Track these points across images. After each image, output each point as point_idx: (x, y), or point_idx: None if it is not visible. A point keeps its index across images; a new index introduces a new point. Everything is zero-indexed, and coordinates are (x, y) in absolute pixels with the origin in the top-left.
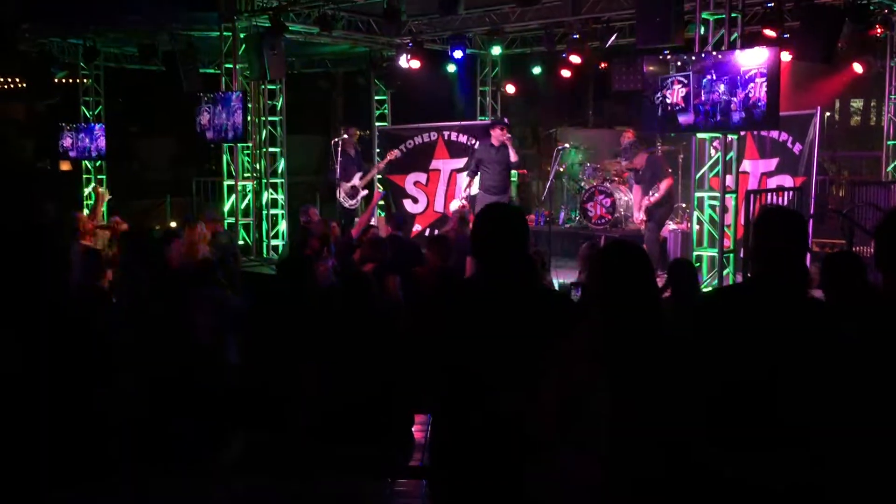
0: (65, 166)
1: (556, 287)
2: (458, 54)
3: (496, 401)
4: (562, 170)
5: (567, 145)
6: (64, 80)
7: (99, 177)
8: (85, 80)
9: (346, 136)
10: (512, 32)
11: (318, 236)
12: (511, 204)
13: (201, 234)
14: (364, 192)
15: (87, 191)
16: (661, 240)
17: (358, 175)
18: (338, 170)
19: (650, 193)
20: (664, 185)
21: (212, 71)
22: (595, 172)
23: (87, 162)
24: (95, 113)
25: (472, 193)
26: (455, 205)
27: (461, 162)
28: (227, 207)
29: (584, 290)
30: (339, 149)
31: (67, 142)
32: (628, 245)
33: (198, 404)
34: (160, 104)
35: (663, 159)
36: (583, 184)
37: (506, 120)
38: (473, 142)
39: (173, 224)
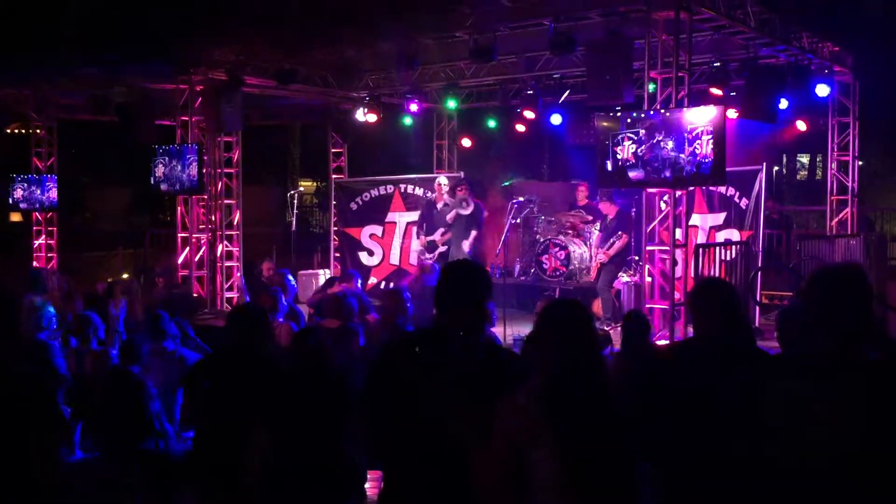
0: (15, 217)
1: (512, 340)
2: (413, 108)
3: (443, 459)
4: (517, 222)
5: (522, 199)
6: (15, 131)
7: (50, 228)
8: (37, 131)
9: (437, 189)
10: (467, 87)
11: (272, 291)
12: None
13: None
14: (443, 248)
15: (36, 243)
16: (614, 291)
17: (440, 230)
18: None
19: (605, 247)
20: (619, 243)
21: (167, 123)
22: (550, 225)
23: (38, 213)
24: (47, 164)
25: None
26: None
27: (417, 214)
28: (180, 259)
29: (524, 345)
30: (425, 201)
31: (18, 193)
32: (567, 304)
33: (146, 463)
34: (113, 155)
35: (631, 216)
36: (538, 236)
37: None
38: (430, 195)
39: (125, 276)
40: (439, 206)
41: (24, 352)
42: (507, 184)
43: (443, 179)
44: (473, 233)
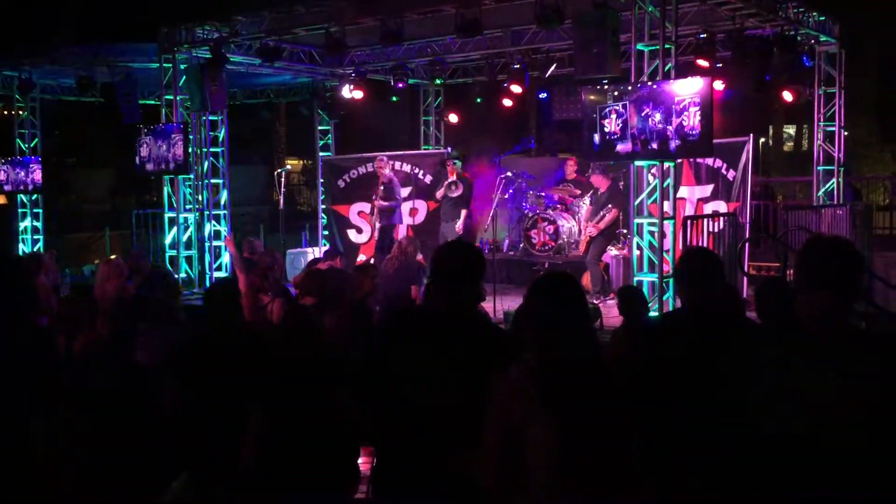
0: None
1: (503, 315)
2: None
3: (436, 436)
4: (505, 197)
5: (510, 173)
6: None
7: (35, 210)
8: (20, 112)
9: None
10: (453, 63)
11: (260, 270)
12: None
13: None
14: (379, 224)
15: (22, 225)
16: (602, 265)
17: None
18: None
19: (595, 220)
20: (609, 216)
21: (152, 102)
22: (538, 199)
23: (22, 195)
24: (31, 145)
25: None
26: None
27: (405, 191)
28: (168, 240)
29: (514, 319)
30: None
31: (2, 175)
32: (558, 277)
33: (139, 444)
34: (98, 136)
35: (621, 192)
36: (526, 211)
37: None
38: (417, 171)
39: (112, 257)
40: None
41: (28, 339)
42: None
43: (384, 158)
44: (464, 212)
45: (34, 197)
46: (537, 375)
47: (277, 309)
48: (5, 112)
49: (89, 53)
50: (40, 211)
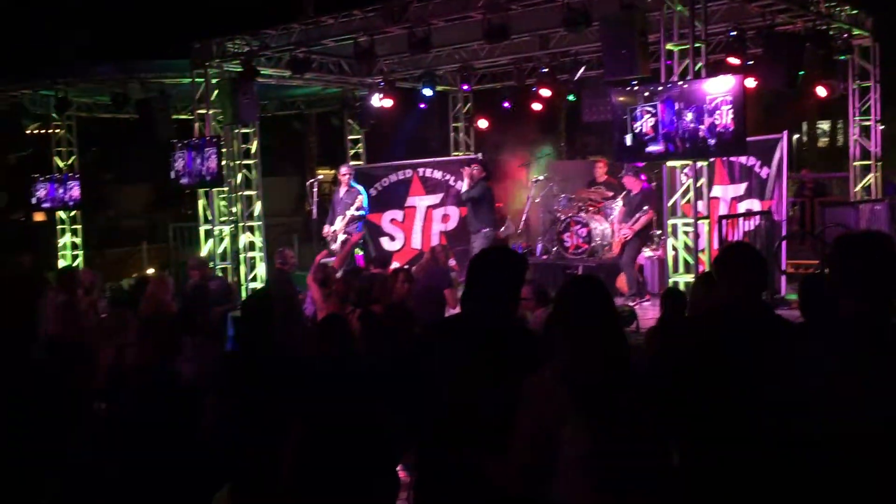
0: (39, 217)
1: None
2: (427, 92)
3: (469, 446)
4: (537, 201)
5: (541, 177)
6: (36, 131)
7: (74, 227)
8: (57, 131)
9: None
10: (482, 68)
11: (338, 278)
12: (506, 248)
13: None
14: (344, 237)
15: (61, 241)
16: (637, 266)
17: (339, 218)
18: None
19: (630, 222)
20: (644, 218)
21: (185, 117)
22: (570, 203)
23: (61, 212)
24: (68, 163)
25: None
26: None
27: (437, 198)
28: (203, 252)
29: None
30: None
31: (41, 192)
32: (587, 279)
33: (179, 458)
34: (134, 152)
35: (654, 193)
36: (559, 214)
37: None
38: (448, 177)
39: (150, 271)
40: (341, 193)
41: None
42: (541, 156)
43: (343, 168)
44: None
45: (73, 213)
46: (569, 377)
47: (356, 317)
48: (43, 130)
49: (123, 71)
50: (79, 227)
